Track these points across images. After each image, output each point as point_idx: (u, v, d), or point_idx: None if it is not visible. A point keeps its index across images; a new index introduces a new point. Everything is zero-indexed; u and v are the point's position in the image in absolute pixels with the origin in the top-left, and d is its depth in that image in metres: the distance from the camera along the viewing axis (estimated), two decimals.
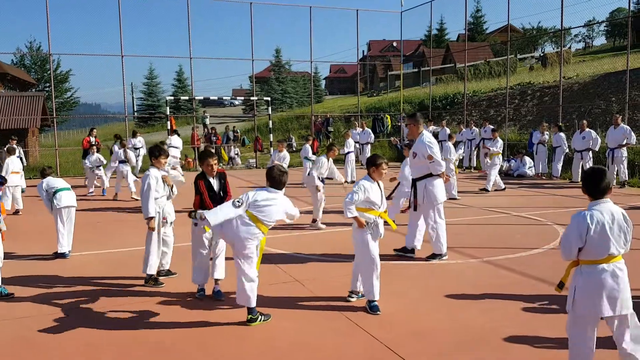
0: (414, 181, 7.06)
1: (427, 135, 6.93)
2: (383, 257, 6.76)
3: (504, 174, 17.32)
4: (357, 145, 20.01)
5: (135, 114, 47.47)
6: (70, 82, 43.51)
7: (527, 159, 17.52)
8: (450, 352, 4.20)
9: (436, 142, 7.01)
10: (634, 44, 39.58)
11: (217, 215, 4.72)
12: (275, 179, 4.83)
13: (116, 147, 13.93)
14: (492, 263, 6.81)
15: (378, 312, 4.98)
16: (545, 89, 24.76)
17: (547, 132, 16.77)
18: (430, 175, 6.94)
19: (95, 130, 17.62)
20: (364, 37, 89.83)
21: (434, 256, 7.03)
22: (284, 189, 4.90)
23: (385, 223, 5.30)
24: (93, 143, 17.09)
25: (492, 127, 17.78)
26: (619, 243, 3.38)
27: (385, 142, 25.48)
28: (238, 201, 4.69)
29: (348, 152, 17.04)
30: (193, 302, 5.47)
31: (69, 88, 43.79)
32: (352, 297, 5.37)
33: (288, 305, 5.32)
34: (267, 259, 7.16)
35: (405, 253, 7.20)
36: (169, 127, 20.91)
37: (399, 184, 8.88)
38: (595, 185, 3.41)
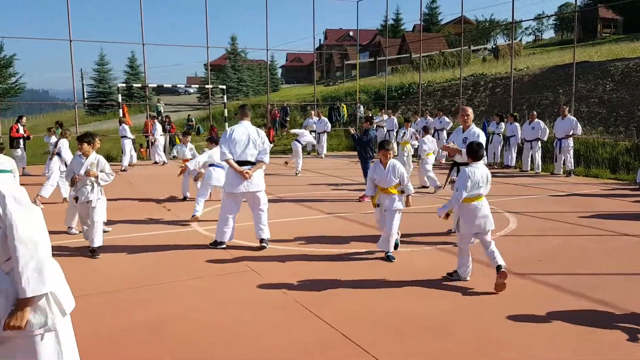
0: None
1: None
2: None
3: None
4: (314, 134, 20.07)
5: (86, 101, 45.89)
6: (14, 67, 41.52)
7: None
8: (397, 337, 4.26)
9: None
10: (581, 38, 41.08)
11: None
12: None
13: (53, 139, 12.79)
14: (445, 250, 6.94)
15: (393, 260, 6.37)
16: (497, 80, 25.38)
17: (503, 123, 17.00)
18: None
19: (24, 118, 16.90)
20: (321, 26, 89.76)
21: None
22: None
23: None
24: (22, 133, 16.31)
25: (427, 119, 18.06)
26: (485, 188, 5.42)
27: (341, 131, 25.57)
28: None
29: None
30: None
31: (13, 73, 41.75)
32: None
33: (239, 293, 5.28)
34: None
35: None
36: (120, 115, 20.27)
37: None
38: (476, 154, 5.45)
